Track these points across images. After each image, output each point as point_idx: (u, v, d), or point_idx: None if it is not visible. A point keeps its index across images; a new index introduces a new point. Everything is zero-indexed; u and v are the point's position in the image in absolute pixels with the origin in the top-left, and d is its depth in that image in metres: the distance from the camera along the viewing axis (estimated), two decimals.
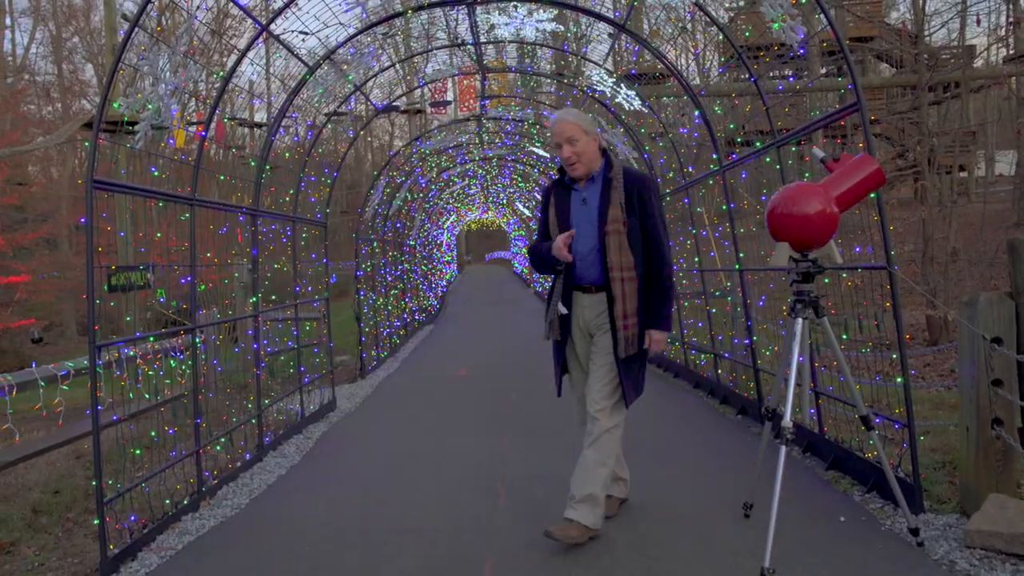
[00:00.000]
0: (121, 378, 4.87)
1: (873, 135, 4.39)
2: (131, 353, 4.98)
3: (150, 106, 4.37)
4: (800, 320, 3.46)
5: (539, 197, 19.59)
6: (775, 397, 3.78)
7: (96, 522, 3.80)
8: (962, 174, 24.32)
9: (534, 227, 24.54)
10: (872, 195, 3.76)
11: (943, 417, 5.74)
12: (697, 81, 18.86)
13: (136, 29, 4.07)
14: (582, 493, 3.58)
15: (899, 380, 3.99)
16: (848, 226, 5.16)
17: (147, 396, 5.38)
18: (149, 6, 4.17)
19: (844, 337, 4.83)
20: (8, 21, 34.00)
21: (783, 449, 3.28)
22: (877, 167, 3.50)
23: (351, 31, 6.40)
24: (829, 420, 4.91)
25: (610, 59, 7.92)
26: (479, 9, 6.69)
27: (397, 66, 8.61)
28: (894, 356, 4.18)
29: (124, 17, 18.85)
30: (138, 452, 5.01)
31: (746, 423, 6.18)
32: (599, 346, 3.72)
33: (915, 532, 3.48)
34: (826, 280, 5.03)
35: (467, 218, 32.58)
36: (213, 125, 5.29)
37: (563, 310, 3.75)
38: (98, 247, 3.90)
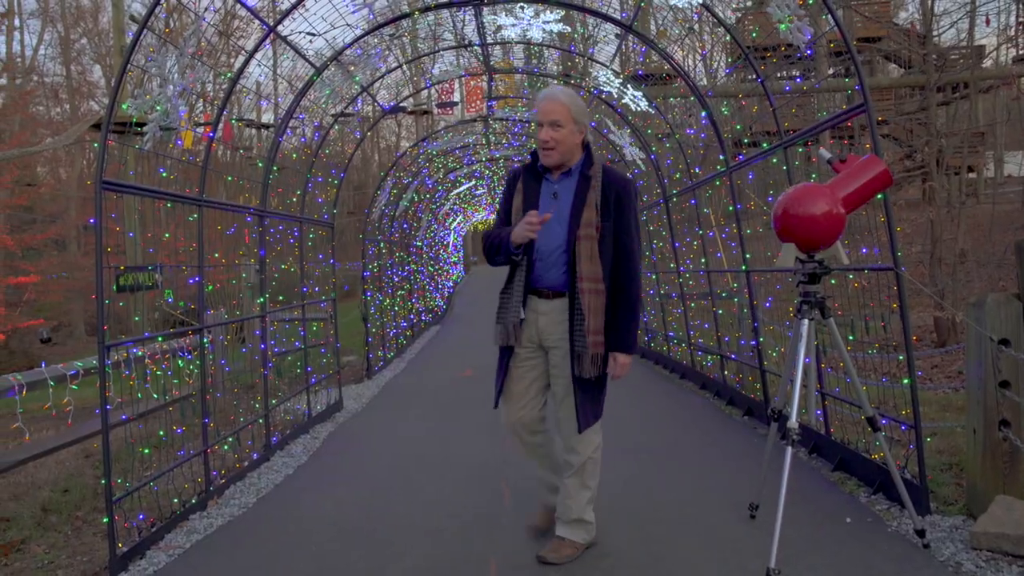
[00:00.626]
0: (130, 378, 4.90)
1: (881, 136, 4.38)
2: (139, 353, 5.01)
3: (158, 107, 4.40)
4: (806, 321, 3.46)
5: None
6: (781, 398, 3.78)
7: (105, 520, 3.82)
8: (971, 175, 24.21)
9: None
10: (879, 196, 3.76)
11: (950, 419, 5.73)
12: (704, 82, 18.84)
13: (145, 31, 4.10)
14: (569, 518, 3.50)
15: (906, 381, 3.98)
16: (855, 227, 5.15)
17: (155, 396, 5.42)
18: (157, 8, 4.19)
19: (851, 338, 4.83)
20: (17, 23, 34.21)
21: (789, 450, 3.28)
22: (884, 168, 3.50)
23: (358, 32, 6.42)
24: (835, 421, 4.90)
25: (617, 60, 7.92)
26: (486, 10, 6.70)
27: (404, 67, 8.61)
28: (901, 357, 4.17)
29: (132, 18, 18.92)
30: (147, 451, 5.04)
31: (752, 424, 6.18)
32: (563, 368, 3.35)
33: (921, 533, 3.47)
34: (832, 281, 5.03)
35: (474, 219, 32.59)
36: (221, 126, 5.32)
37: (522, 315, 3.36)
38: (107, 248, 3.93)
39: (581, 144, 3.38)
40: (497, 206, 3.13)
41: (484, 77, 9.24)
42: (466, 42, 7.80)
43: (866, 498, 4.16)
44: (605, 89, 8.11)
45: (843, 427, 4.81)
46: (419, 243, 17.33)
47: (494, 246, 3.38)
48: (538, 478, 3.69)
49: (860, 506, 4.04)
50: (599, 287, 3.24)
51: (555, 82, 10.20)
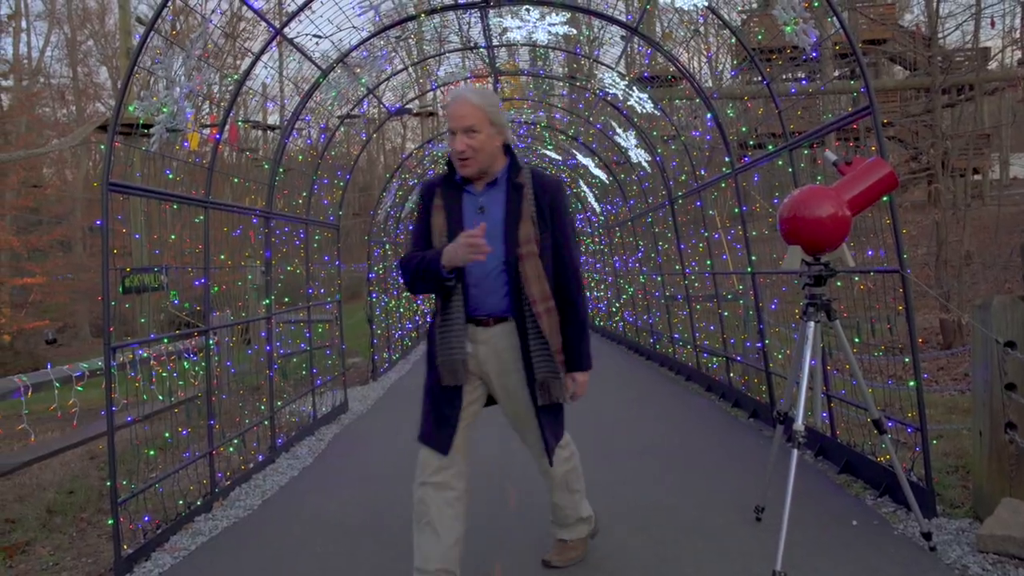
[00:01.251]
0: (135, 379, 4.91)
1: (886, 138, 4.38)
2: (145, 354, 5.02)
3: (165, 109, 4.41)
4: (812, 323, 3.46)
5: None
6: (787, 401, 3.77)
7: (110, 522, 3.83)
8: (976, 177, 24.15)
9: None
10: (885, 198, 3.75)
11: (956, 421, 5.71)
12: (709, 84, 18.84)
13: (152, 33, 4.11)
14: (567, 522, 3.44)
15: (912, 384, 3.97)
16: (861, 229, 5.14)
17: (161, 397, 5.43)
18: (164, 10, 4.21)
19: (856, 340, 4.82)
20: (24, 24, 34.35)
21: (795, 453, 3.27)
22: (890, 170, 3.49)
23: (364, 34, 6.44)
24: (841, 423, 4.89)
25: (622, 62, 7.92)
26: (492, 13, 6.71)
27: (409, 69, 8.63)
28: (907, 360, 4.16)
29: (139, 20, 19.00)
30: (152, 453, 5.05)
31: (758, 426, 6.17)
32: (519, 396, 3.00)
33: (928, 536, 3.46)
34: (838, 283, 5.02)
35: None
36: (227, 128, 5.33)
37: (469, 349, 2.94)
38: (113, 249, 3.94)
39: (502, 148, 2.97)
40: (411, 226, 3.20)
41: (490, 79, 9.25)
42: (472, 44, 7.81)
43: (872, 501, 4.14)
44: (611, 91, 8.11)
45: (849, 429, 4.80)
46: None
47: (419, 271, 2.89)
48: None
49: (866, 508, 4.03)
50: (551, 305, 2.92)
51: (560, 84, 10.21)
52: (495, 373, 2.99)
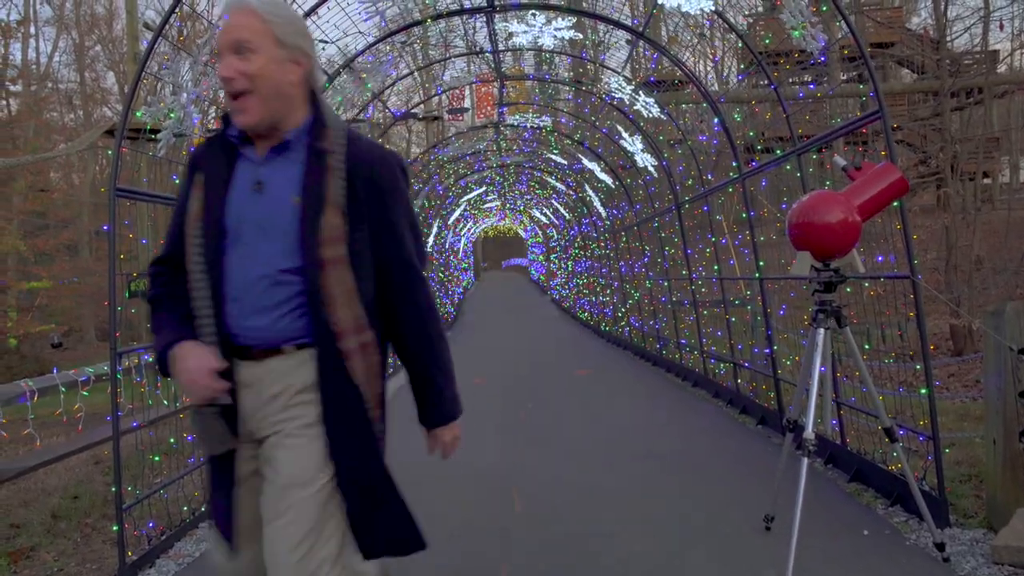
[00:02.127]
0: (141, 384, 4.89)
1: (895, 141, 4.33)
2: (151, 359, 5.01)
3: (172, 114, 4.41)
4: (822, 330, 3.42)
5: (556, 205, 19.51)
6: (796, 408, 3.73)
7: (115, 528, 3.81)
8: (986, 181, 24.03)
9: (552, 234, 24.52)
10: (895, 203, 3.71)
11: (968, 428, 5.65)
12: (716, 88, 18.81)
13: (159, 39, 4.11)
14: None
15: (923, 391, 3.93)
16: (870, 234, 5.10)
17: (166, 403, 5.41)
18: (172, 16, 4.20)
19: (866, 347, 4.77)
20: (32, 30, 34.56)
21: (805, 461, 3.23)
22: (900, 175, 3.46)
23: (370, 39, 6.43)
24: (851, 431, 4.85)
25: (628, 67, 7.90)
26: (497, 17, 6.70)
27: (415, 74, 8.64)
28: (918, 367, 4.11)
29: (146, 26, 19.07)
30: (157, 458, 5.03)
31: (766, 433, 6.12)
32: (286, 464, 1.89)
33: (941, 547, 3.41)
34: (848, 289, 4.98)
35: (484, 225, 32.64)
36: None
37: (226, 399, 1.90)
38: (120, 254, 3.93)
39: (304, 93, 1.93)
40: None
41: (495, 84, 9.24)
42: (478, 49, 7.80)
43: (883, 510, 4.09)
44: (617, 95, 8.09)
45: (859, 437, 4.75)
46: (429, 249, 17.35)
47: (155, 329, 1.99)
48: None
49: (877, 518, 3.98)
50: (367, 340, 1.92)
51: (566, 88, 10.19)
52: (270, 428, 1.92)
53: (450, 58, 8.67)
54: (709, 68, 22.25)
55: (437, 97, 14.25)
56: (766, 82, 5.62)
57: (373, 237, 1.92)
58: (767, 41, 6.85)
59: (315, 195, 1.85)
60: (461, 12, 6.40)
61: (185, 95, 4.48)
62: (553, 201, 18.36)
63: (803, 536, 3.16)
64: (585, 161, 11.48)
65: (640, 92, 7.69)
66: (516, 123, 10.92)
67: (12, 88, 29.19)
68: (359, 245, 1.89)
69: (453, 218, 20.59)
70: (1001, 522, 3.51)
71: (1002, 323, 3.58)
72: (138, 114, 4.27)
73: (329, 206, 1.84)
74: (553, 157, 12.85)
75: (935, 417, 3.84)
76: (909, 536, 3.70)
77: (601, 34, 8.60)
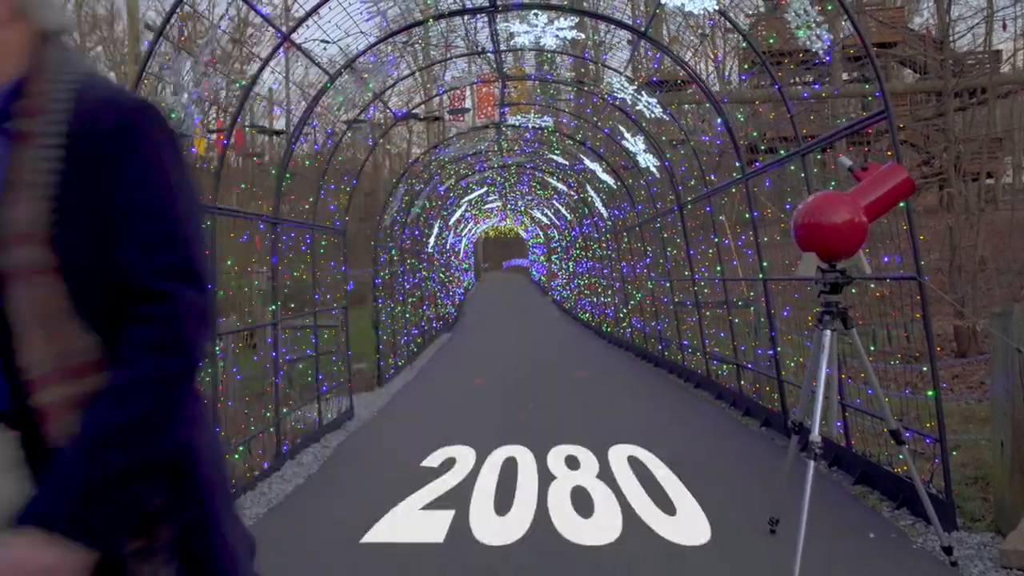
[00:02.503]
0: None
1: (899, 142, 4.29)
2: None
3: (173, 114, 4.38)
4: (828, 332, 3.38)
5: (558, 205, 19.48)
6: (801, 410, 3.69)
7: None
8: (989, 181, 23.97)
9: (553, 235, 24.50)
10: (901, 204, 3.68)
11: (974, 430, 5.61)
12: (717, 88, 18.78)
13: (160, 40, 4.08)
14: None
15: (930, 393, 3.89)
16: (875, 235, 5.07)
17: None
18: (173, 17, 4.18)
19: (872, 348, 4.74)
20: None
21: (811, 464, 3.20)
22: (906, 176, 3.43)
23: (371, 40, 6.40)
24: (856, 433, 4.81)
25: (630, 66, 7.87)
26: (499, 17, 6.67)
27: (416, 74, 8.62)
28: (924, 368, 4.08)
29: (147, 26, 19.05)
30: None
31: (770, 435, 6.08)
32: None
33: (948, 550, 3.37)
34: (853, 291, 4.94)
35: (485, 225, 32.61)
36: (234, 133, 5.30)
37: None
38: None
39: (11, 35, 1.26)
40: None
41: (497, 84, 9.21)
42: (479, 49, 7.78)
43: (889, 512, 4.06)
44: (619, 95, 8.06)
45: (865, 439, 4.71)
46: (430, 250, 17.31)
47: None
48: None
49: (883, 521, 3.95)
50: (85, 386, 1.17)
51: (568, 88, 10.16)
52: None
53: (451, 58, 8.65)
54: (711, 68, 22.22)
55: (438, 97, 14.21)
56: (769, 82, 5.58)
57: (103, 231, 1.22)
58: (771, 41, 6.82)
59: (6, 175, 1.20)
60: (463, 12, 6.38)
61: (186, 95, 4.46)
62: (554, 202, 18.32)
63: (808, 538, 3.12)
64: (587, 161, 11.44)
65: (642, 92, 7.66)
66: (517, 123, 10.89)
67: None
68: (77, 245, 1.21)
69: (454, 219, 20.56)
70: (1009, 526, 3.47)
71: (1009, 324, 3.55)
72: None
73: (16, 190, 1.19)
74: (554, 157, 12.81)
75: (942, 419, 3.81)
76: (916, 539, 3.67)
77: (603, 34, 8.56)
